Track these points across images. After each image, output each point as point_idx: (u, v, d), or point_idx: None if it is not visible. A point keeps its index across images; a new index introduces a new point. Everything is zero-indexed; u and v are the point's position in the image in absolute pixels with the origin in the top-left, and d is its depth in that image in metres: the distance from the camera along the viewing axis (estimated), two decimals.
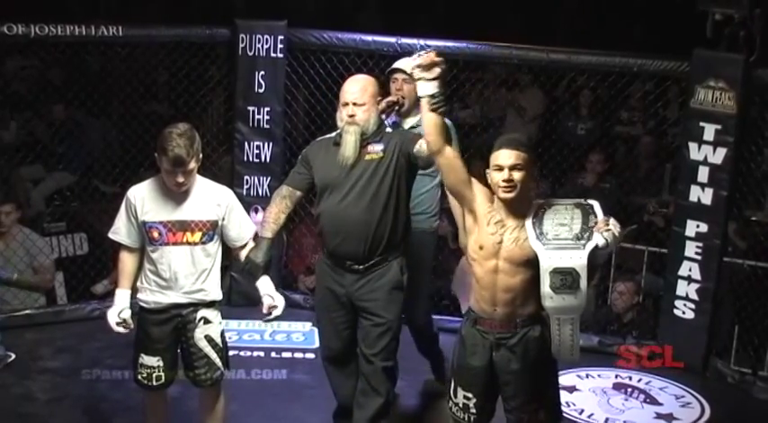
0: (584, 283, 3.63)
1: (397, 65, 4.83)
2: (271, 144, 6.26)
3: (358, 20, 9.74)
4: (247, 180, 6.27)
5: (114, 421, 4.92)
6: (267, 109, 6.22)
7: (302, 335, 5.95)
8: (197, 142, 4.11)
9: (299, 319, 5.97)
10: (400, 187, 4.31)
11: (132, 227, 4.20)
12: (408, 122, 4.79)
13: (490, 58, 6.52)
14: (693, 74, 5.60)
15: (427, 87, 3.81)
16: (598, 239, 3.64)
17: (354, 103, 4.28)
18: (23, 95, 7.83)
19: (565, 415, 4.92)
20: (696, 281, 5.67)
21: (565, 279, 3.63)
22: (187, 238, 4.17)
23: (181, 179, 4.08)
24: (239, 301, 6.15)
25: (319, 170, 4.36)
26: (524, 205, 3.77)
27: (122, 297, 4.22)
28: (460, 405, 3.91)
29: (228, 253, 4.40)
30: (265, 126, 6.24)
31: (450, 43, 6.03)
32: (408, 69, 3.91)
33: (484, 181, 3.81)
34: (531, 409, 3.84)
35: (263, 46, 6.13)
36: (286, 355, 5.71)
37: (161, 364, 4.25)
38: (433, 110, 3.79)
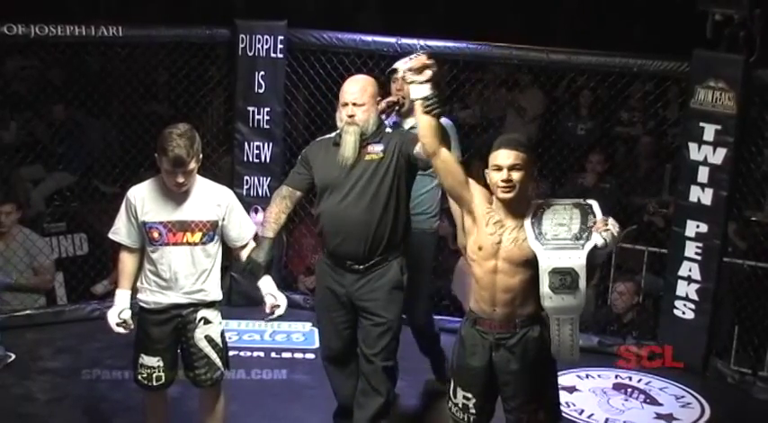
0: (583, 283, 3.63)
1: (395, 66, 4.83)
2: (271, 144, 6.26)
3: (358, 20, 9.75)
4: (247, 180, 6.27)
5: (114, 421, 4.92)
6: (267, 109, 6.22)
7: (302, 335, 5.95)
8: (197, 142, 4.11)
9: (299, 320, 5.96)
10: (400, 187, 4.32)
11: (132, 227, 4.20)
12: (409, 123, 4.78)
13: (490, 59, 6.52)
14: (693, 74, 5.60)
15: (420, 90, 3.81)
16: (597, 239, 3.64)
17: (354, 104, 4.29)
18: (23, 96, 7.84)
19: (565, 415, 4.93)
20: (696, 281, 5.67)
21: (564, 279, 3.63)
22: (187, 239, 4.17)
23: (181, 179, 4.08)
24: (239, 301, 6.16)
25: (319, 170, 4.36)
26: (523, 205, 3.76)
27: (122, 297, 4.22)
28: (460, 405, 3.91)
29: (228, 253, 4.40)
30: (265, 126, 6.24)
31: (450, 43, 6.04)
32: (400, 72, 3.90)
33: (484, 181, 3.81)
34: (531, 410, 3.84)
35: (262, 46, 6.13)
36: (286, 355, 5.71)
37: (161, 364, 4.25)
38: (427, 112, 3.79)
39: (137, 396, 4.57)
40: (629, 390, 5.51)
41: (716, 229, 5.60)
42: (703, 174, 5.58)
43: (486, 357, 3.83)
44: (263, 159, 6.27)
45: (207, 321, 4.25)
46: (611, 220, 3.69)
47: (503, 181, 3.71)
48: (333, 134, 4.44)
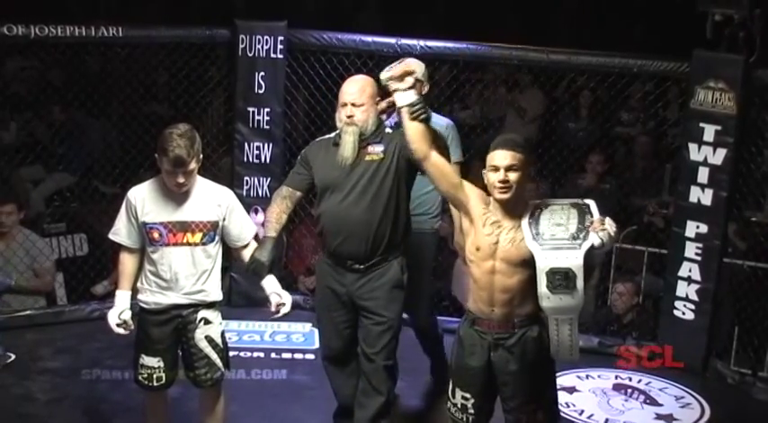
0: (580, 282, 3.63)
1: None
2: (271, 145, 6.26)
3: (358, 20, 9.75)
4: (247, 181, 6.27)
5: (114, 422, 4.91)
6: (267, 110, 6.22)
7: (302, 335, 5.95)
8: (197, 143, 4.11)
9: (299, 320, 5.95)
10: (401, 188, 4.32)
11: (132, 228, 4.20)
12: None
13: (490, 59, 6.51)
14: (693, 75, 5.60)
15: (404, 97, 3.83)
16: (594, 239, 3.64)
17: (353, 104, 4.29)
18: (23, 96, 7.84)
19: (565, 415, 4.94)
20: (696, 282, 5.67)
21: (561, 279, 3.63)
22: (188, 239, 4.17)
23: (181, 180, 4.08)
24: (239, 301, 6.16)
25: (319, 171, 4.37)
26: (520, 206, 3.77)
27: (123, 298, 4.22)
28: (459, 405, 3.91)
29: (228, 254, 4.40)
30: (265, 127, 6.24)
31: (450, 43, 6.04)
32: (383, 82, 3.91)
33: (483, 182, 3.81)
34: (530, 410, 3.85)
35: (262, 47, 6.13)
36: (286, 355, 5.71)
37: (161, 364, 4.26)
38: (414, 118, 3.80)
39: (137, 396, 4.57)
40: (629, 390, 5.51)
41: (716, 229, 5.60)
42: (703, 174, 5.58)
43: (485, 357, 3.83)
44: (263, 160, 6.27)
45: (207, 322, 4.25)
46: (608, 220, 3.69)
47: (500, 181, 3.71)
48: (332, 134, 4.44)
